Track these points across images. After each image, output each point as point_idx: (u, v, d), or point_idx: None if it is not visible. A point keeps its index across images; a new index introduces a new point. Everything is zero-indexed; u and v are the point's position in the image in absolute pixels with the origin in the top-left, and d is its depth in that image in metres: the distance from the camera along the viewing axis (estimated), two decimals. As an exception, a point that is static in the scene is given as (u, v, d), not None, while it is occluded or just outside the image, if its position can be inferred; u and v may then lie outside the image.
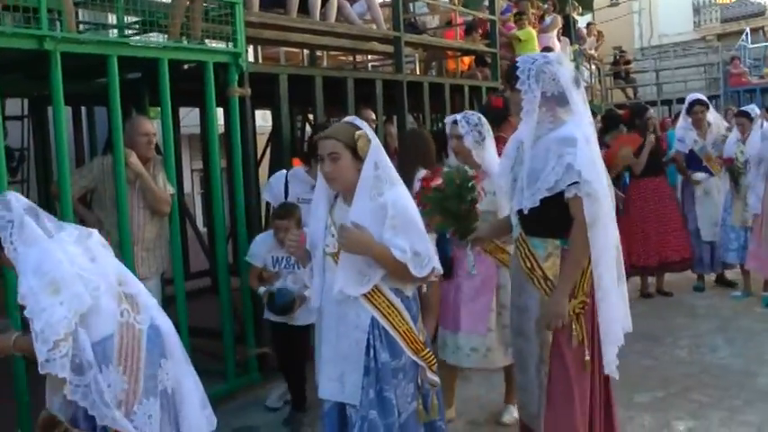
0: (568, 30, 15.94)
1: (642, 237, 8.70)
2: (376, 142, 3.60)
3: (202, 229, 9.72)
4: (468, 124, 5.01)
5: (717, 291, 9.03)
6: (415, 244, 3.48)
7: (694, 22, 28.26)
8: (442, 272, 3.76)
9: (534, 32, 12.39)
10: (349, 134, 3.55)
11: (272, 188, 6.02)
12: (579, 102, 3.75)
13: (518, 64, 3.78)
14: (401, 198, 3.55)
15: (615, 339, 3.83)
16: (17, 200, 3.38)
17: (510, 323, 4.26)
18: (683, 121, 9.15)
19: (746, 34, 24.35)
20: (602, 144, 7.95)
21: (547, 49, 12.17)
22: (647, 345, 6.97)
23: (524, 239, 3.88)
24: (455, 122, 5.09)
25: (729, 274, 9.19)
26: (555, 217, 3.70)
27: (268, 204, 7.02)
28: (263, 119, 11.08)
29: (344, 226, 3.47)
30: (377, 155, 3.56)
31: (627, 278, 8.35)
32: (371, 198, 3.49)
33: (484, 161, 5.03)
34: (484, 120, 5.11)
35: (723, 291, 8.98)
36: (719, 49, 24.62)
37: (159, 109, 6.02)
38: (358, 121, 3.67)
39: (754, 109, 8.94)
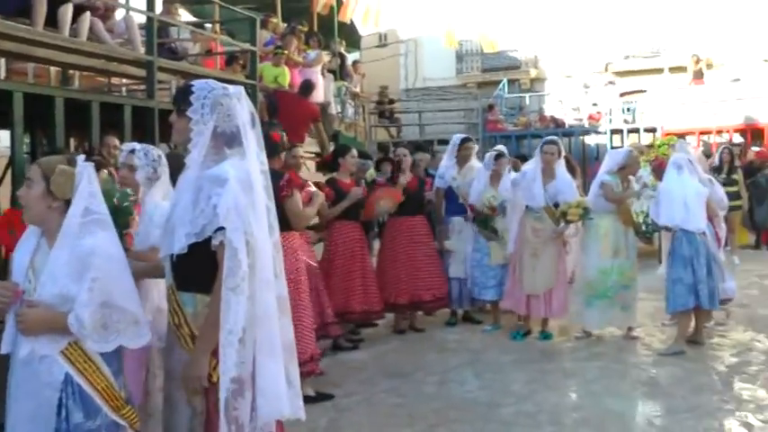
0: (341, 67, 16.10)
1: (393, 275, 8.69)
2: (92, 188, 3.26)
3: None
4: (145, 157, 4.54)
5: (468, 325, 9.17)
6: (108, 315, 3.19)
7: (457, 69, 29.39)
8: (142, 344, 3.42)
9: (286, 71, 12.30)
10: (52, 165, 3.23)
11: None
12: (252, 143, 3.35)
13: (193, 89, 3.37)
14: (109, 259, 3.24)
15: (253, 425, 3.27)
16: None
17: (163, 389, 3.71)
18: (447, 160, 9.33)
19: (504, 84, 25.67)
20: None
21: (307, 82, 12.15)
22: (397, 382, 6.91)
23: (174, 292, 3.37)
24: (132, 151, 4.62)
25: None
26: (206, 268, 3.22)
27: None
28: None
29: (21, 312, 3.13)
30: (89, 200, 3.23)
31: (382, 316, 8.51)
32: (73, 247, 3.15)
33: (147, 204, 4.51)
34: (165, 160, 4.65)
35: (474, 325, 9.14)
36: (479, 96, 25.78)
37: None
38: (81, 161, 3.32)
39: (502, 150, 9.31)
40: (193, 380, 3.21)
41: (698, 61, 21.43)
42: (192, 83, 3.43)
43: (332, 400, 6.36)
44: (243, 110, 3.35)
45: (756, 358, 7.42)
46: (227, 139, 3.33)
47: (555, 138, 9.12)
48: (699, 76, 21.30)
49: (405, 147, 9.41)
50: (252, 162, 3.32)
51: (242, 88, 3.42)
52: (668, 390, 6.53)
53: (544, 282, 8.26)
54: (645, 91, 22.33)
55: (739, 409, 5.97)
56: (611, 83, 22.48)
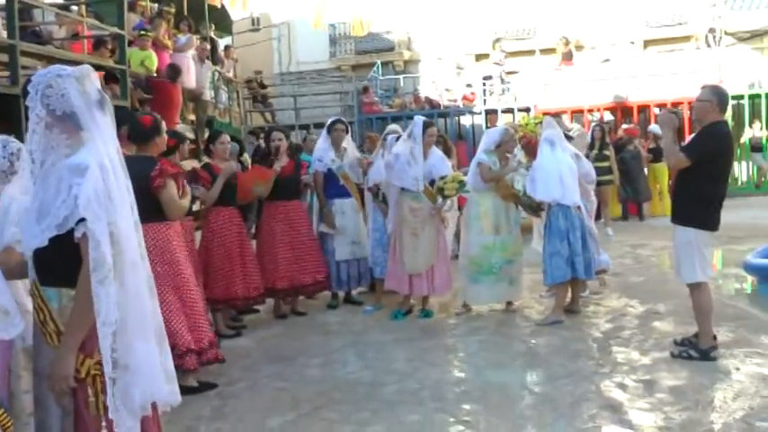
0: (212, 51, 15.85)
1: (272, 260, 8.57)
2: None
3: None
4: (3, 149, 4.33)
5: (349, 307, 9.17)
6: None
7: (330, 52, 29.33)
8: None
9: (153, 55, 12.03)
10: None
11: None
12: (102, 126, 3.24)
13: (32, 77, 3.24)
14: None
15: (134, 409, 3.16)
16: None
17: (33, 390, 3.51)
18: (323, 142, 9.26)
19: (378, 67, 25.75)
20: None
21: (173, 66, 11.94)
22: (280, 367, 6.85)
23: (37, 287, 3.23)
24: None
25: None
26: (69, 261, 3.10)
27: None
28: None
29: None
30: None
31: (263, 301, 8.41)
32: None
33: (3, 200, 4.30)
34: (25, 154, 4.31)
35: (355, 307, 9.14)
36: (353, 78, 25.82)
37: None
38: None
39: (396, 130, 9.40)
40: (60, 379, 3.06)
41: (567, 43, 21.91)
42: (35, 73, 3.28)
43: (215, 389, 6.25)
44: (86, 90, 3.21)
45: (630, 323, 7.66)
46: (75, 122, 3.18)
47: (431, 120, 9.18)
48: (568, 57, 21.80)
49: (280, 131, 9.29)
50: (108, 144, 3.20)
51: (87, 67, 3.27)
52: (547, 358, 6.68)
53: (425, 260, 8.29)
54: (518, 72, 22.77)
55: (614, 372, 6.16)
56: (497, 63, 22.74)
